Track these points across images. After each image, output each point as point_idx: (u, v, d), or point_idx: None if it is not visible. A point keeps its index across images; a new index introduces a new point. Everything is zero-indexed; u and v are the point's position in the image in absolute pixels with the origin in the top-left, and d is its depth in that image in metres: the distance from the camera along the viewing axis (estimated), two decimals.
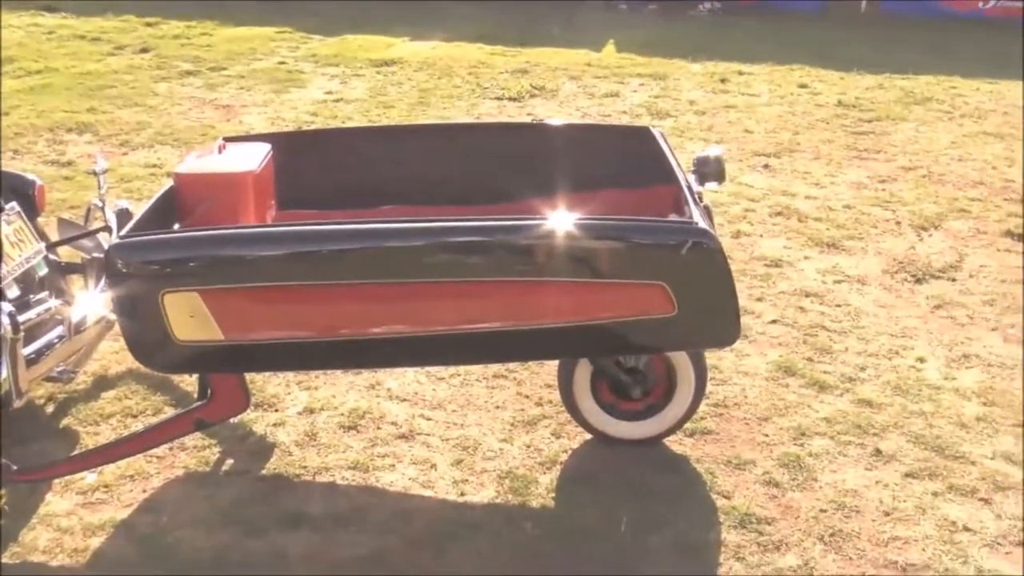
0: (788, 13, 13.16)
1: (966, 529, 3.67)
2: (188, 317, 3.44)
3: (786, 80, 9.97)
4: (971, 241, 6.23)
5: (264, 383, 4.46)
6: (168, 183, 4.03)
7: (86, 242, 4.50)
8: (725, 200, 6.58)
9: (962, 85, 9.96)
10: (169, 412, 4.21)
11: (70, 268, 4.50)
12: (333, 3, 12.68)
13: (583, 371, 3.96)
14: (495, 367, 4.59)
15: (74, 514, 3.69)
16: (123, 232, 3.56)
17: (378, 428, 4.22)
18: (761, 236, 6.21)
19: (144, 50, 10.51)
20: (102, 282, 4.14)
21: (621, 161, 4.31)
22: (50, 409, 4.31)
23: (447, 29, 11.67)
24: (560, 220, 3.53)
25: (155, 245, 3.51)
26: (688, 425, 4.12)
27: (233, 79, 9.57)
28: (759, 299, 5.37)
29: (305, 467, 3.96)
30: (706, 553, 3.55)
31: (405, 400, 4.41)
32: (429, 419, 4.29)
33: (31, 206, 4.27)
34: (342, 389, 4.48)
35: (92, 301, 4.19)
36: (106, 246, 3.77)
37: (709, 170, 4.05)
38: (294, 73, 9.84)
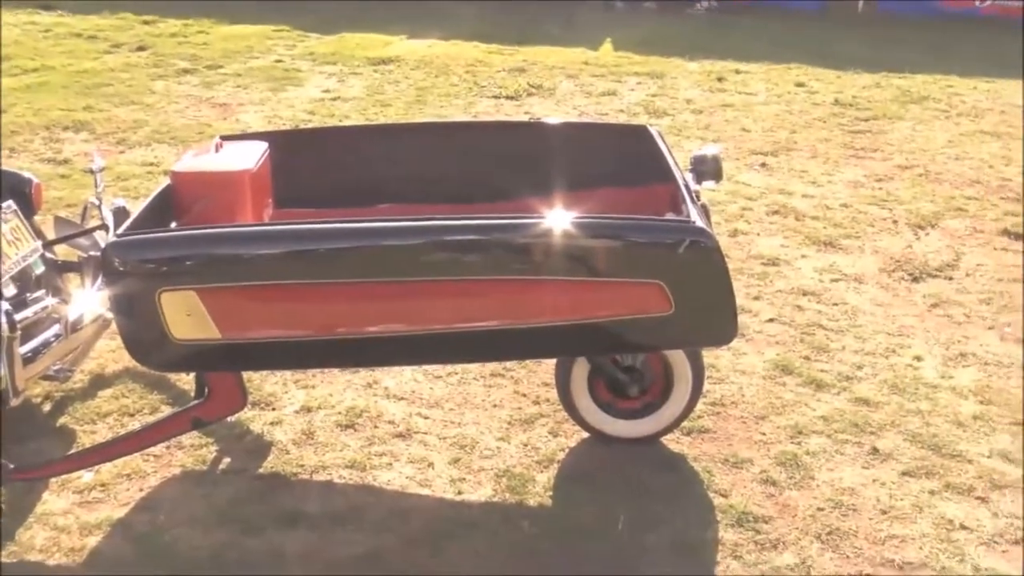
0: (785, 12, 13.18)
1: (963, 527, 3.68)
2: (185, 316, 3.43)
3: (783, 79, 9.98)
4: (968, 240, 6.24)
5: (261, 382, 4.45)
6: (165, 181, 4.01)
7: (83, 240, 4.49)
8: (722, 199, 6.58)
9: (959, 84, 9.98)
10: (166, 411, 4.20)
11: (67, 266, 4.49)
12: (330, 1, 12.67)
13: (580, 370, 3.96)
14: (492, 366, 4.58)
15: (71, 513, 3.69)
16: (120, 230, 3.55)
17: (375, 427, 4.22)
18: (758, 235, 6.21)
19: (141, 48, 10.49)
20: (99, 280, 4.13)
21: (618, 160, 4.31)
22: (47, 408, 4.31)
23: (444, 28, 11.67)
24: (557, 219, 3.53)
25: (152, 244, 3.51)
26: (685, 424, 4.12)
27: (230, 77, 9.56)
28: (756, 298, 5.37)
29: (302, 466, 3.96)
30: (703, 551, 3.55)
31: (402, 399, 4.41)
32: (426, 418, 4.28)
33: (28, 204, 4.26)
34: (339, 388, 4.47)
35: (89, 299, 4.18)
36: (103, 244, 3.76)
37: (706, 169, 4.06)
38: (291, 71, 9.83)
